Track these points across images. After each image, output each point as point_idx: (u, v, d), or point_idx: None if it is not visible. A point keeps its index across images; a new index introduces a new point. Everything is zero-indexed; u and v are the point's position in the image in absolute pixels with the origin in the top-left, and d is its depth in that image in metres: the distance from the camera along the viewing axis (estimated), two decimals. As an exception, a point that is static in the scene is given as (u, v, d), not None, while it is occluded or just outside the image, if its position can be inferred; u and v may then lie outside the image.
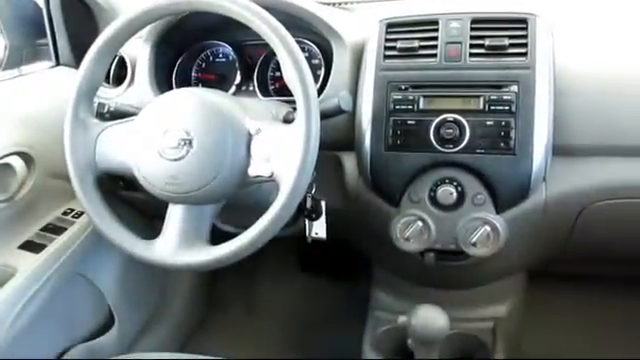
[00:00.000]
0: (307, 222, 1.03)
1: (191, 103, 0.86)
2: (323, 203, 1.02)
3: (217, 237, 0.87)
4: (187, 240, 0.84)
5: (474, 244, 0.95)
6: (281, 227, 0.81)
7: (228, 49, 1.16)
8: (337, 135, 1.01)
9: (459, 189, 0.96)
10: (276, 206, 0.79)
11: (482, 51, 0.95)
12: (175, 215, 0.86)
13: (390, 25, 1.01)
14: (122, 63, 1.14)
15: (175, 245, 0.84)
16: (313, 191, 1.01)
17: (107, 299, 1.30)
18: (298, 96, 0.80)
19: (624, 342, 1.41)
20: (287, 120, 0.93)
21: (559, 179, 0.96)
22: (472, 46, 0.96)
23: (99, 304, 1.30)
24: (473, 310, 1.18)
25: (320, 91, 1.02)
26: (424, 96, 0.95)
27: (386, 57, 0.99)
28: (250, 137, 0.83)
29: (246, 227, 0.81)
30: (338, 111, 0.91)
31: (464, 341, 1.15)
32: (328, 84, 1.02)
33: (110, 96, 1.11)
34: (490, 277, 1.15)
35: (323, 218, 1.02)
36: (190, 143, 0.82)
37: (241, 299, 1.68)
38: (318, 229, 1.03)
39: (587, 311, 1.46)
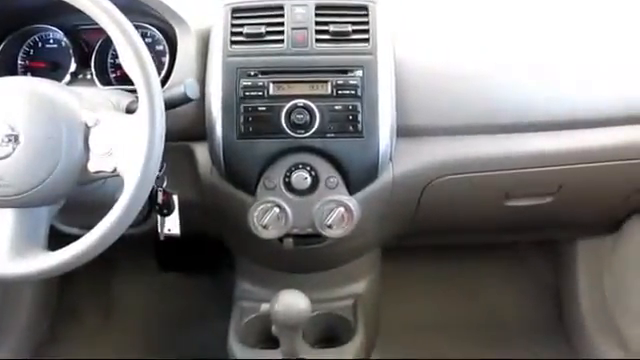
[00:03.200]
0: (159, 218, 0.98)
1: (15, 94, 0.77)
2: (175, 197, 0.98)
3: (59, 240, 0.80)
4: (19, 247, 0.76)
5: (330, 226, 0.97)
6: (129, 225, 0.76)
7: (60, 34, 1.05)
8: (186, 124, 0.97)
9: (312, 173, 0.97)
10: (121, 203, 0.74)
11: (327, 37, 0.97)
12: (4, 221, 0.77)
13: (235, 10, 0.99)
14: None
15: (5, 254, 0.76)
16: (164, 185, 0.96)
17: None
18: (139, 84, 0.76)
19: (474, 305, 1.56)
20: (130, 110, 0.88)
21: (404, 158, 1.01)
22: (317, 32, 0.97)
23: None
24: (334, 290, 1.22)
25: (166, 79, 0.97)
26: (273, 82, 0.95)
27: (233, 43, 0.97)
28: (87, 129, 0.77)
29: (92, 228, 0.75)
30: (185, 99, 0.87)
31: (327, 321, 1.19)
32: (174, 71, 0.98)
33: None
34: (347, 256, 1.19)
35: (176, 213, 0.98)
36: (16, 139, 0.74)
37: (96, 304, 1.57)
38: (171, 225, 0.99)
39: (438, 279, 1.59)
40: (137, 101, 0.78)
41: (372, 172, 0.99)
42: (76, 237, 0.77)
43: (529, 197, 1.13)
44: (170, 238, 1.01)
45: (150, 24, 1.03)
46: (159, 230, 0.99)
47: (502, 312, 1.56)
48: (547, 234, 1.44)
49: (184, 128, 0.96)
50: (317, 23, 0.97)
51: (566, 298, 1.52)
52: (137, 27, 0.79)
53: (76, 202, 0.84)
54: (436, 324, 1.51)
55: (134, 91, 0.80)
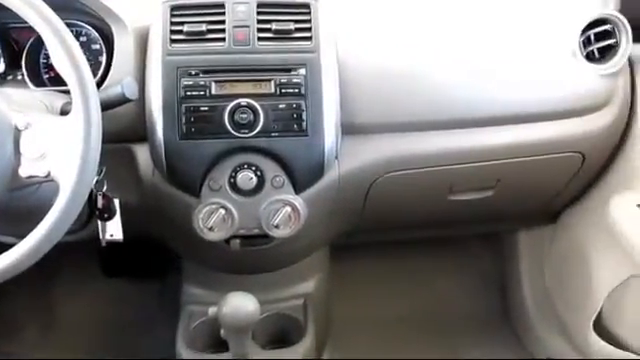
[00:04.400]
0: (100, 223, 0.95)
1: None
2: (116, 201, 0.95)
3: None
4: None
5: (277, 226, 0.97)
6: (67, 232, 0.73)
7: (-14, 33, 1.00)
8: (126, 125, 0.94)
9: (258, 173, 0.96)
10: (56, 209, 0.71)
11: (270, 35, 0.96)
12: None
13: (175, 8, 0.97)
14: None
15: None
16: (104, 188, 0.93)
17: None
18: (72, 84, 0.73)
19: (423, 301, 1.59)
20: (64, 112, 0.85)
21: (350, 156, 1.02)
22: (260, 30, 0.96)
23: None
24: (283, 290, 1.21)
25: (104, 79, 0.94)
26: (215, 81, 0.93)
27: (173, 41, 0.95)
28: (18, 132, 0.74)
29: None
30: (123, 99, 0.85)
31: (277, 321, 1.18)
32: (111, 71, 0.95)
33: None
34: (296, 256, 1.19)
35: (118, 217, 0.95)
36: None
37: (37, 317, 1.50)
38: (113, 230, 0.95)
39: (387, 276, 1.61)
40: (71, 102, 0.75)
41: (318, 171, 0.98)
42: (9, 246, 0.73)
43: (471, 191, 1.17)
44: (113, 243, 0.98)
45: (85, 22, 1.00)
46: (100, 236, 0.96)
47: (451, 306, 1.59)
48: (490, 226, 1.48)
49: (123, 129, 0.94)
50: (259, 21, 0.96)
51: (510, 288, 1.57)
52: (71, 25, 0.77)
53: (8, 209, 0.80)
54: (386, 321, 1.52)
55: (69, 92, 0.77)
